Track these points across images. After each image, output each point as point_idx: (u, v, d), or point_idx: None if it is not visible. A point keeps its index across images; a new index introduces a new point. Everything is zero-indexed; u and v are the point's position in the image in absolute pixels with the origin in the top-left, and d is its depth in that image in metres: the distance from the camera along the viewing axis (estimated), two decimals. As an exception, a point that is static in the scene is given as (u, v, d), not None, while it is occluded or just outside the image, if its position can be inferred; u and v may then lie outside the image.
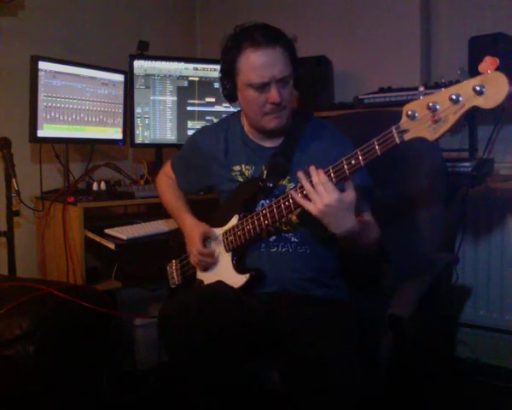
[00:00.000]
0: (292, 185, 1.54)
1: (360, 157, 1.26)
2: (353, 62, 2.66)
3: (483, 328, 2.38)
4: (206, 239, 1.62)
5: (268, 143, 1.61)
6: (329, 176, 1.29)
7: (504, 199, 2.29)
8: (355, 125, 1.74)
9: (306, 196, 1.31)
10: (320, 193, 1.28)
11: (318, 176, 1.29)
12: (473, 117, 2.10)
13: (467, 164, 2.04)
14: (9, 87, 2.38)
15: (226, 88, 1.56)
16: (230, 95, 1.57)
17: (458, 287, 2.39)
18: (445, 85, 2.11)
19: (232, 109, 2.58)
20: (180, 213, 1.73)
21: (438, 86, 2.14)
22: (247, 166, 1.61)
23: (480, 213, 2.36)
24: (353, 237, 1.36)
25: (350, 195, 1.29)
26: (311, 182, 1.30)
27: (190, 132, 2.60)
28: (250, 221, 1.51)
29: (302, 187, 1.33)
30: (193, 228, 1.64)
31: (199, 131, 1.80)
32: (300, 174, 1.32)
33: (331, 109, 2.44)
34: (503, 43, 2.00)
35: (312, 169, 1.30)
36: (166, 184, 1.83)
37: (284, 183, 1.56)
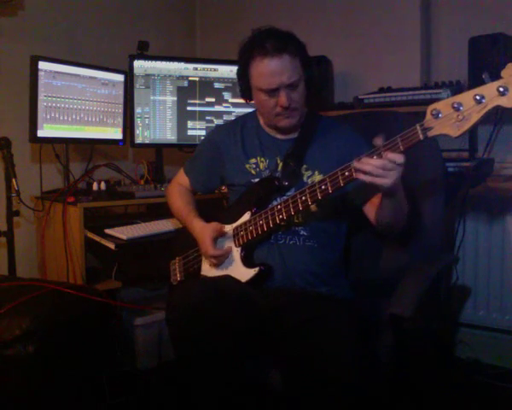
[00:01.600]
0: (309, 173, 1.59)
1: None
2: (353, 62, 2.66)
3: (483, 328, 2.38)
4: (217, 239, 1.63)
5: (283, 136, 1.66)
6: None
7: (504, 199, 2.29)
8: (355, 126, 1.74)
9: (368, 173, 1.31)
10: (392, 168, 1.28)
11: (389, 156, 1.28)
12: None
13: (467, 164, 2.04)
14: (9, 87, 2.38)
15: (242, 89, 1.64)
16: (246, 95, 1.64)
17: (458, 287, 2.39)
18: (446, 85, 2.11)
19: (232, 109, 2.63)
20: (188, 219, 1.73)
21: (439, 86, 2.14)
22: (262, 159, 1.65)
23: (480, 214, 2.36)
24: (402, 198, 1.42)
25: None
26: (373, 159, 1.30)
27: (190, 132, 2.61)
28: (264, 216, 1.53)
29: (350, 168, 1.34)
30: (203, 231, 1.64)
31: (214, 129, 1.87)
32: (356, 163, 1.32)
33: (331, 109, 2.44)
34: (503, 43, 2.00)
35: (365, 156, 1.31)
36: (177, 192, 1.84)
37: (302, 171, 1.60)
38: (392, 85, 2.34)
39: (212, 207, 1.84)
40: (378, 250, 1.76)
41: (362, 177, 1.31)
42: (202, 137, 2.51)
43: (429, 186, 1.68)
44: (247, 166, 1.66)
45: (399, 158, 1.27)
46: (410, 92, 2.18)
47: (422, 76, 2.46)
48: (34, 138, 2.23)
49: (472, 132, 2.20)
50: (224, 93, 2.63)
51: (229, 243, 1.62)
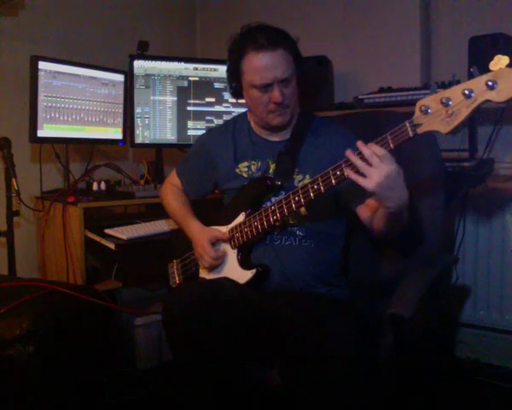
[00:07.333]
0: (300, 177, 1.57)
1: None
2: (353, 62, 2.66)
3: (483, 328, 2.38)
4: (215, 242, 1.62)
5: (274, 138, 1.65)
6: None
7: (504, 199, 2.29)
8: (355, 126, 1.74)
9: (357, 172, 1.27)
10: (376, 164, 1.24)
11: (372, 148, 1.25)
12: (473, 117, 2.11)
13: (467, 164, 2.04)
14: (9, 87, 2.38)
15: (232, 86, 1.62)
16: (236, 93, 1.63)
17: (458, 287, 2.39)
18: (446, 86, 2.11)
19: (232, 109, 2.63)
20: (185, 220, 1.72)
21: (439, 86, 2.14)
22: (253, 162, 1.64)
23: (480, 214, 2.36)
24: (403, 211, 1.35)
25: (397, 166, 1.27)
26: (360, 156, 1.26)
27: (190, 132, 2.61)
28: (258, 217, 1.52)
29: (350, 164, 1.29)
30: (200, 234, 1.63)
31: (206, 133, 1.84)
32: (348, 152, 1.28)
33: (331, 109, 2.44)
34: (503, 43, 2.00)
35: (360, 144, 1.27)
36: (172, 192, 1.83)
37: (293, 175, 1.58)
38: (392, 85, 2.34)
39: (207, 208, 1.83)
40: (378, 251, 1.76)
41: (351, 175, 1.28)
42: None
43: (429, 186, 1.68)
44: (238, 170, 1.64)
45: (380, 151, 1.24)
46: (410, 92, 2.18)
47: (422, 76, 2.46)
48: (34, 138, 2.23)
49: (472, 132, 2.20)
50: (223, 93, 2.63)
51: (225, 245, 1.61)
